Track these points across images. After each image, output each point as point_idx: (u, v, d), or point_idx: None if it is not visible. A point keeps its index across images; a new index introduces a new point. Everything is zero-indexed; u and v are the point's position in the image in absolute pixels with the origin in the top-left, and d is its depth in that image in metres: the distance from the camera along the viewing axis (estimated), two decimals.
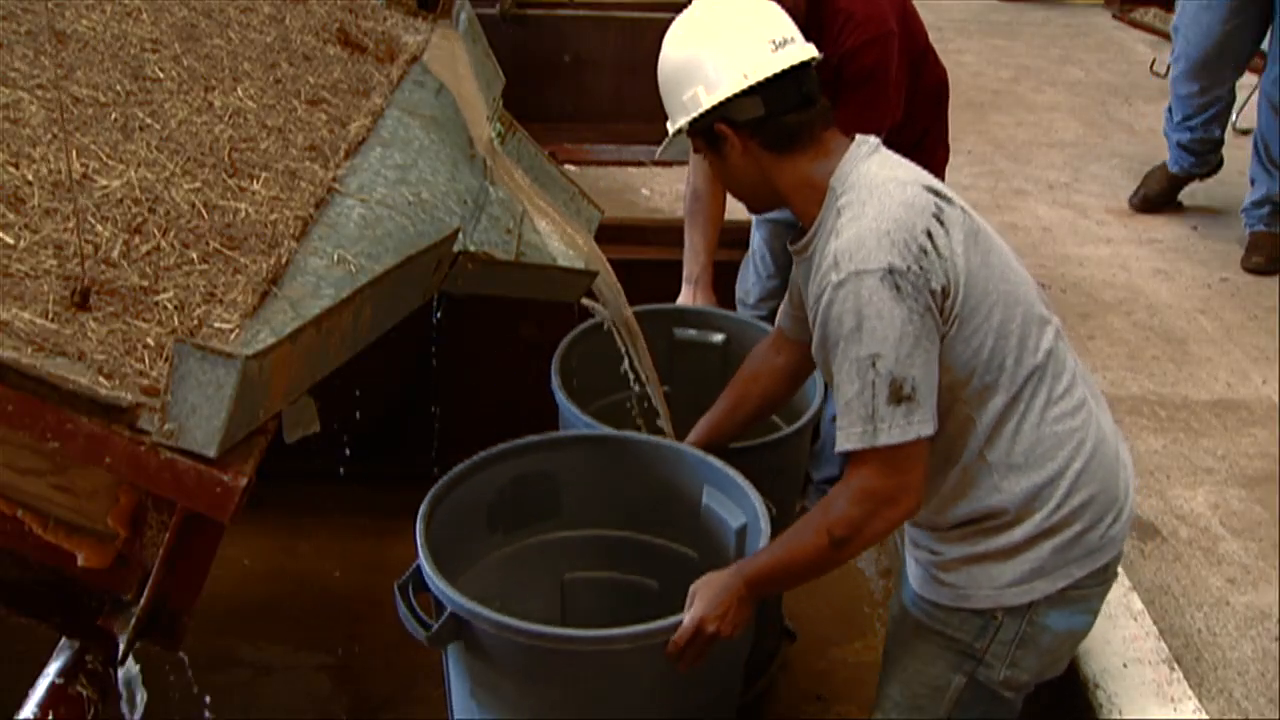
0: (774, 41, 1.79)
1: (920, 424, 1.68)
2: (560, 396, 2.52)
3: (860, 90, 2.60)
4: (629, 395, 2.66)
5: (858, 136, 1.84)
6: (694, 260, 2.95)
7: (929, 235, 1.69)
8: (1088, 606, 1.89)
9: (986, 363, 1.74)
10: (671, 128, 1.88)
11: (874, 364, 1.65)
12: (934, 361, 1.70)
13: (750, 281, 3.28)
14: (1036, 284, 1.87)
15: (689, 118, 1.82)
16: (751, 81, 1.76)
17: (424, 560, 1.98)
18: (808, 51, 1.81)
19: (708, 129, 1.82)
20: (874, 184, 1.75)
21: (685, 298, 2.96)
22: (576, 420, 2.47)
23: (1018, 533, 1.80)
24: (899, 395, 1.66)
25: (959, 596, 1.86)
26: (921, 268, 1.67)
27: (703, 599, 1.84)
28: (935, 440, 1.73)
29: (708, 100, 1.79)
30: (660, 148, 1.95)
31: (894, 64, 2.64)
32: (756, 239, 3.25)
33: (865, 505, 1.72)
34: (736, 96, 1.77)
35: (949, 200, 1.76)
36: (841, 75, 2.58)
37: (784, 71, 1.77)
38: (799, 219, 1.88)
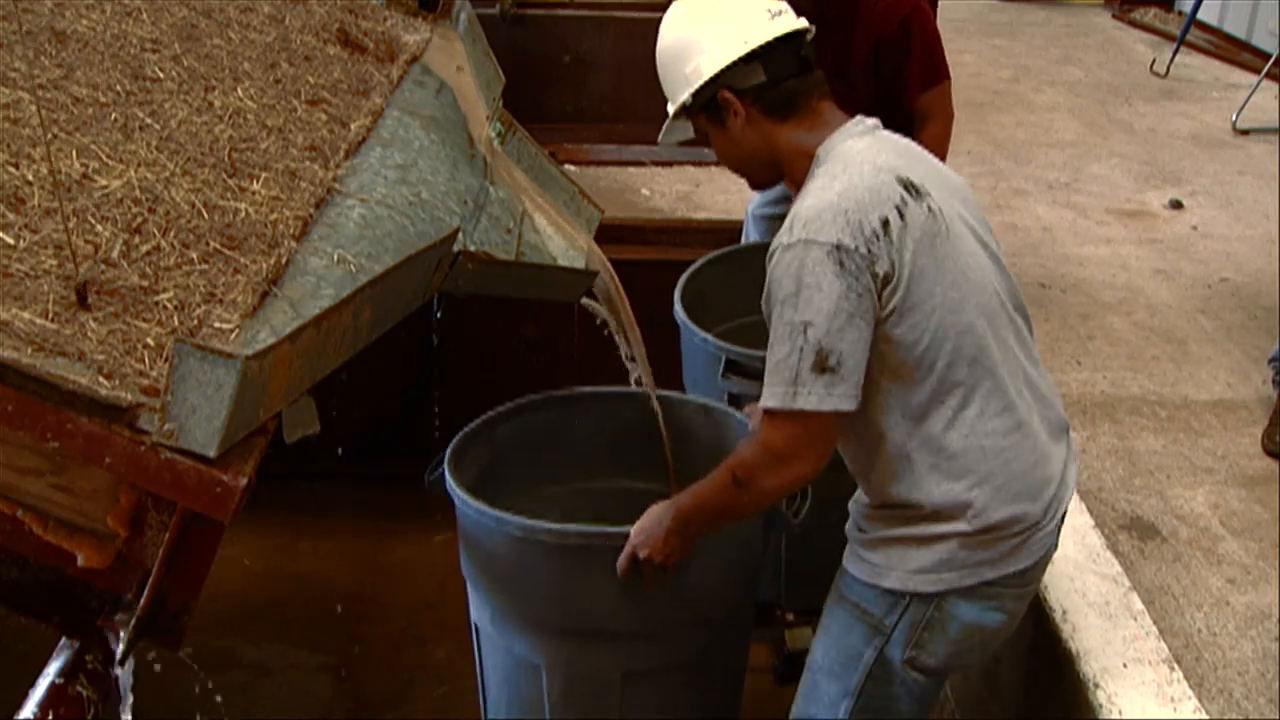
0: (770, 11, 1.85)
1: (840, 397, 1.72)
2: (682, 317, 2.70)
3: (911, 51, 2.84)
4: (746, 321, 2.77)
5: (857, 116, 1.88)
6: None
7: (885, 223, 1.73)
8: (1000, 606, 1.91)
9: (918, 360, 1.78)
10: (673, 107, 1.92)
11: (805, 331, 1.71)
12: (864, 341, 1.73)
13: None
14: (1012, 303, 1.89)
15: (692, 89, 1.86)
16: (752, 46, 1.82)
17: (451, 447, 2.27)
18: (801, 22, 1.88)
19: (710, 100, 1.86)
20: (850, 160, 1.80)
21: None
22: (696, 339, 2.64)
23: (934, 528, 1.85)
24: (823, 365, 1.71)
25: (874, 573, 1.91)
26: (869, 250, 1.71)
27: (636, 527, 2.00)
28: (859, 418, 1.79)
29: (709, 69, 1.84)
30: (662, 130, 1.99)
31: (933, 26, 2.89)
32: (753, 236, 3.27)
33: (763, 457, 1.80)
34: (738, 63, 1.82)
35: (919, 197, 1.78)
36: (883, 47, 2.83)
37: (782, 37, 1.84)
38: (791, 188, 1.92)
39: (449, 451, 2.27)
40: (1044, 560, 1.93)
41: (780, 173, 1.92)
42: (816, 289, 1.70)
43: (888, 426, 1.82)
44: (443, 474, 2.21)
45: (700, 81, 1.85)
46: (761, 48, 1.82)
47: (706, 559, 2.10)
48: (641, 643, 2.20)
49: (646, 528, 1.99)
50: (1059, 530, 1.94)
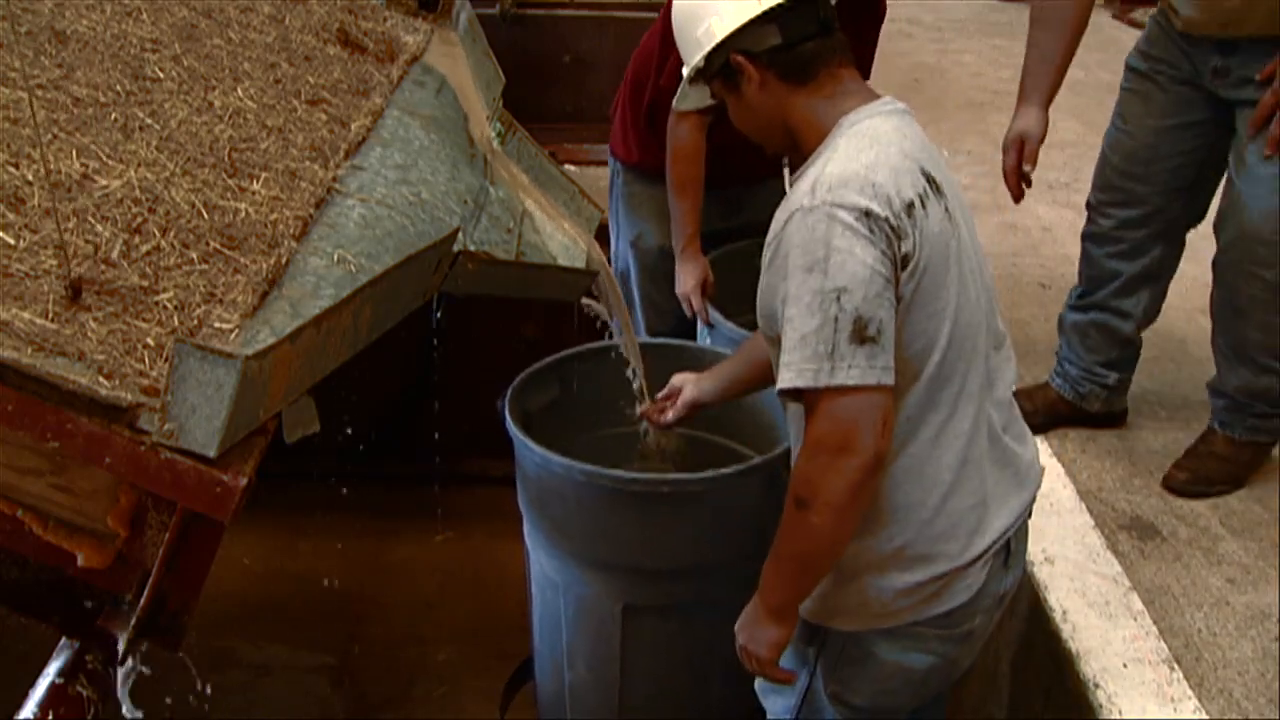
0: None
1: (883, 370, 1.55)
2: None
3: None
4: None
5: (885, 96, 1.76)
6: (682, 232, 2.86)
7: (910, 205, 1.61)
8: (925, 648, 1.79)
9: (906, 363, 1.64)
10: (688, 71, 1.80)
11: (839, 299, 1.53)
12: (894, 313, 1.59)
13: None
14: (991, 341, 1.78)
15: (704, 52, 1.74)
16: (766, 6, 1.69)
17: (513, 388, 2.46)
18: None
19: (724, 64, 1.74)
20: (879, 138, 1.66)
21: (684, 271, 2.84)
22: (722, 326, 2.76)
23: (853, 559, 1.72)
24: (863, 335, 1.53)
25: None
26: (898, 224, 1.58)
27: (737, 627, 1.79)
28: None
29: (722, 30, 1.71)
30: (677, 95, 1.87)
31: None
32: None
33: (817, 457, 1.57)
34: (752, 24, 1.70)
35: (939, 196, 1.67)
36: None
37: None
38: (798, 160, 1.80)
39: (512, 387, 2.47)
40: (974, 603, 1.79)
41: (793, 142, 1.78)
42: (849, 253, 1.54)
43: None
44: (505, 405, 2.42)
45: (712, 44, 1.72)
46: (777, 7, 1.69)
47: (704, 508, 2.27)
48: (641, 580, 2.38)
49: (743, 625, 1.77)
50: (1003, 569, 1.81)
